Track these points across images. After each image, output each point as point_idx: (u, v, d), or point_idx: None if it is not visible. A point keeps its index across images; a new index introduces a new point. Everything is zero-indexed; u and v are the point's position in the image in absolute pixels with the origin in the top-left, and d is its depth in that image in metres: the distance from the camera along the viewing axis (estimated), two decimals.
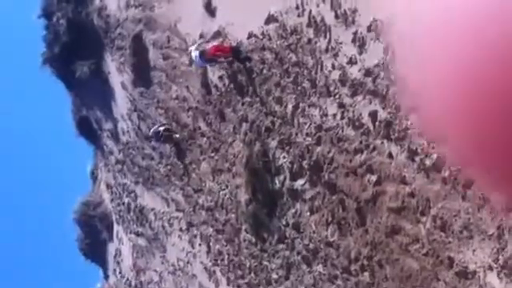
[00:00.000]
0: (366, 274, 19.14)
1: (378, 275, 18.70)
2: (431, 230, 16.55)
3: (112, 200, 39.27)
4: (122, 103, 34.26)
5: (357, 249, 19.43)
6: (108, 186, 39.78)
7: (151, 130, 29.19)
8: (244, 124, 23.93)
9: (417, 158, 16.89)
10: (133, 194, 35.73)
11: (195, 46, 24.90)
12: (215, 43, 24.12)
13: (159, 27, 28.81)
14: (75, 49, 35.40)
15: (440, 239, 16.20)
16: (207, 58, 24.05)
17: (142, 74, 31.02)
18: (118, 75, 33.76)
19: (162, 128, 28.79)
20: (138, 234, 35.69)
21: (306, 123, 20.81)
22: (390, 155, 17.77)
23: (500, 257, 14.70)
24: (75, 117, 40.42)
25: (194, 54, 24.53)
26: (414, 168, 17.06)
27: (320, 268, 21.12)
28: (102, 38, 34.36)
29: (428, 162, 16.53)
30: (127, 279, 38.18)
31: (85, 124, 39.50)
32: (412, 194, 17.21)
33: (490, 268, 15.05)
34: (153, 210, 33.29)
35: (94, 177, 43.51)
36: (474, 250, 15.39)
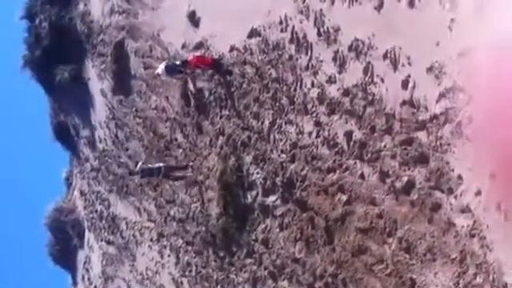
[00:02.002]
0: None
1: None
2: (396, 251, 16.77)
3: (85, 207, 39.20)
4: (100, 110, 34.28)
5: (323, 266, 19.58)
6: (82, 193, 39.73)
7: (138, 166, 28.56)
8: (220, 137, 24.08)
9: (388, 180, 17.12)
10: (106, 202, 35.70)
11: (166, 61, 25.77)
12: (197, 54, 24.30)
13: (142, 35, 28.93)
14: (56, 53, 35.33)
15: (404, 261, 16.41)
16: (190, 68, 24.31)
17: (122, 81, 31.08)
18: (98, 82, 33.80)
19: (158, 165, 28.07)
20: (108, 242, 35.64)
21: (281, 140, 21.00)
22: (362, 176, 17.99)
23: (461, 280, 14.92)
24: (52, 121, 40.33)
25: (161, 66, 25.38)
26: (384, 189, 17.28)
27: (285, 283, 21.21)
28: (84, 43, 34.38)
29: (398, 185, 16.76)
30: (95, 286, 38.08)
31: (62, 129, 39.40)
32: (380, 215, 17.43)
33: None
34: (125, 219, 33.28)
35: (68, 183, 43.42)
36: (435, 273, 15.62)
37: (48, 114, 40.91)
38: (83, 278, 40.55)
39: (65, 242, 41.89)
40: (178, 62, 25.00)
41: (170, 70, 25.24)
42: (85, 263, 40.05)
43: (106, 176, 34.94)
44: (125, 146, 32.14)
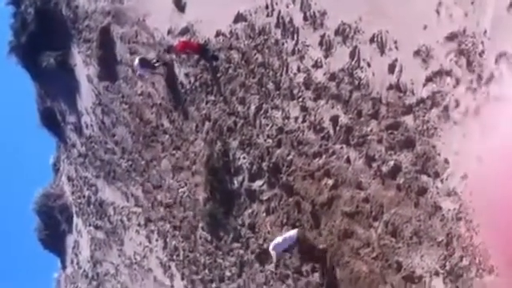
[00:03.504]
0: (316, 274, 19.17)
1: (328, 276, 18.75)
2: (382, 235, 16.69)
3: (73, 193, 39.01)
4: (86, 96, 33.99)
5: None
6: (69, 179, 39.51)
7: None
8: (207, 123, 23.84)
9: (374, 164, 16.96)
10: (93, 188, 35.52)
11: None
12: (183, 39, 24.05)
13: (128, 21, 28.60)
14: (42, 39, 35.00)
15: (390, 244, 16.33)
16: (175, 53, 24.16)
17: (108, 67, 30.78)
18: (84, 68, 33.48)
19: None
20: (96, 227, 35.50)
21: (267, 125, 20.79)
22: (348, 160, 17.84)
23: (447, 263, 14.87)
24: (39, 108, 40.03)
25: (136, 61, 25.80)
26: (370, 174, 17.12)
27: (272, 267, 21.12)
28: (69, 29, 34.03)
29: (384, 169, 16.59)
30: (84, 270, 38.00)
31: (49, 115, 39.12)
32: (366, 199, 17.30)
33: (437, 273, 15.22)
34: (112, 204, 33.12)
35: (55, 169, 43.22)
36: (422, 256, 15.55)
37: (35, 99, 40.56)
38: (72, 262, 40.43)
39: (53, 226, 41.74)
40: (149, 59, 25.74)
41: (145, 64, 25.81)
42: (73, 248, 39.92)
43: (93, 162, 34.71)
44: (111, 131, 31.87)
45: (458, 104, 14.46)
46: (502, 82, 13.40)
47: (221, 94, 22.83)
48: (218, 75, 22.70)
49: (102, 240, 34.91)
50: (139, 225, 30.28)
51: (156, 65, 25.96)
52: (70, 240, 40.65)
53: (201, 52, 23.40)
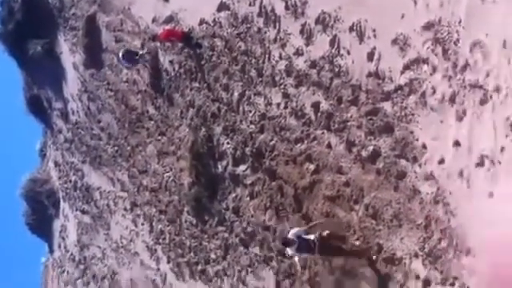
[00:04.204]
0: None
1: (310, 259, 18.92)
2: (363, 218, 16.86)
3: (59, 177, 38.92)
4: (72, 83, 33.95)
5: None
6: (56, 164, 39.42)
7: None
8: (191, 109, 23.95)
9: (354, 149, 17.15)
10: (80, 173, 35.48)
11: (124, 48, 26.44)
12: (167, 27, 24.14)
13: (113, 9, 28.62)
14: (29, 27, 34.89)
15: (371, 227, 16.50)
16: (160, 41, 24.25)
17: (93, 55, 30.78)
18: (70, 55, 33.45)
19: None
20: (83, 212, 35.46)
21: (250, 111, 20.93)
22: (329, 145, 18.02)
23: (426, 245, 15.05)
24: (26, 94, 39.89)
25: (120, 53, 26.10)
26: (350, 158, 17.31)
27: (256, 250, 21.27)
28: (56, 17, 33.98)
29: (364, 154, 16.79)
30: (71, 254, 37.95)
31: (35, 102, 39.00)
32: (347, 184, 17.48)
33: (416, 255, 15.41)
34: (99, 188, 33.11)
35: (42, 154, 43.11)
36: (402, 238, 15.73)
37: (21, 87, 40.42)
38: (59, 246, 40.36)
39: (40, 211, 41.62)
40: (134, 50, 25.99)
41: (128, 56, 25.99)
42: (61, 232, 39.84)
43: (79, 147, 34.69)
44: (97, 118, 31.90)
45: (434, 91, 14.67)
46: (476, 70, 13.64)
47: (205, 80, 22.95)
48: (202, 62, 22.81)
49: (89, 224, 34.91)
50: (125, 209, 30.31)
51: (138, 57, 26.08)
52: (57, 224, 40.57)
53: (185, 40, 23.50)
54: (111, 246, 32.16)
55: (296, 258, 18.27)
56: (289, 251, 17.52)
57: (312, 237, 17.20)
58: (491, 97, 13.23)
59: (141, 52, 26.02)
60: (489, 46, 13.33)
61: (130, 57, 26.16)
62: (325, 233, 17.46)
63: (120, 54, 26.33)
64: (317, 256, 17.79)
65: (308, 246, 17.14)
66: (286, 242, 17.27)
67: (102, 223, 33.01)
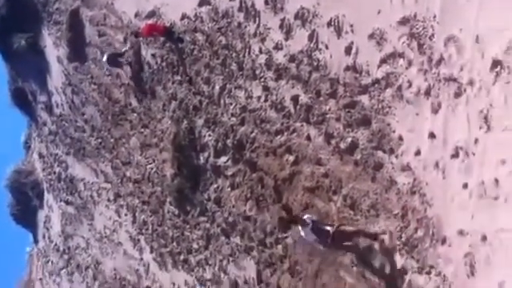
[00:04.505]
0: (280, 246, 19.46)
1: (290, 248, 19.05)
2: (341, 208, 16.98)
3: (44, 169, 38.83)
4: (56, 77, 33.87)
5: (272, 223, 19.73)
6: (40, 156, 39.31)
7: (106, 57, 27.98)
8: (173, 102, 23.98)
9: (333, 141, 17.25)
10: (64, 164, 35.42)
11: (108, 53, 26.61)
12: (149, 22, 24.14)
13: (96, 4, 28.59)
14: (13, 21, 34.75)
15: (349, 217, 16.62)
16: (143, 36, 24.25)
17: (77, 49, 30.73)
18: (54, 49, 33.36)
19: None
20: (67, 203, 35.41)
21: (231, 104, 21.01)
22: (309, 137, 18.12)
23: (403, 234, 15.17)
24: (11, 88, 39.75)
25: (104, 57, 26.42)
26: (329, 150, 17.42)
27: (237, 240, 21.37)
28: (40, 12, 33.88)
29: (342, 145, 16.90)
30: (55, 244, 37.90)
31: (20, 95, 38.86)
32: (326, 175, 17.60)
33: None
34: (82, 180, 33.07)
35: (27, 146, 42.98)
36: (379, 228, 15.81)
37: (6, 80, 40.27)
38: (44, 236, 40.28)
39: (25, 202, 41.51)
40: (118, 52, 26.26)
41: (112, 60, 26.28)
42: (45, 222, 39.76)
43: (64, 139, 34.62)
44: (81, 110, 31.85)
45: (410, 84, 14.79)
46: (450, 64, 13.76)
47: (186, 74, 22.99)
48: (184, 56, 22.85)
49: (73, 215, 34.87)
50: (109, 200, 30.32)
51: (123, 55, 26.24)
52: (41, 215, 40.48)
53: (166, 34, 23.53)
54: (95, 236, 32.16)
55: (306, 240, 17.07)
56: (301, 231, 16.51)
57: (328, 227, 16.20)
58: (465, 90, 13.36)
59: (124, 49, 26.12)
60: (462, 40, 13.46)
61: (115, 60, 26.31)
62: (343, 227, 16.40)
63: (104, 59, 26.45)
64: (326, 247, 16.70)
65: (321, 233, 16.13)
66: (299, 220, 16.50)
67: (86, 214, 32.99)
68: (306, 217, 16.46)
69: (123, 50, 26.23)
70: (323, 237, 16.12)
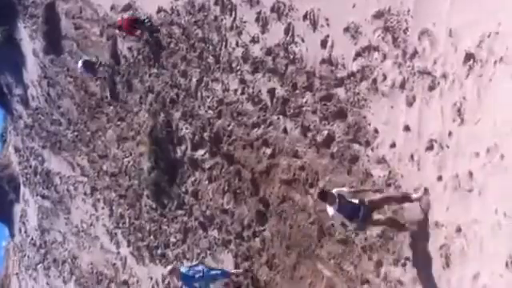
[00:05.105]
0: (257, 240, 19.61)
1: (268, 242, 19.20)
2: (318, 200, 17.05)
3: (20, 163, 38.76)
4: (32, 70, 33.87)
5: (250, 216, 19.89)
6: (16, 149, 39.25)
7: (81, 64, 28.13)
8: (150, 95, 24.08)
9: (309, 134, 17.41)
10: (40, 158, 35.39)
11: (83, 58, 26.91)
12: (126, 16, 24.21)
13: None
14: None
15: (325, 210, 16.64)
16: (125, 30, 24.28)
17: (53, 42, 30.74)
18: (29, 42, 33.37)
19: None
20: (43, 197, 35.38)
21: (208, 97, 21.14)
22: (285, 130, 18.28)
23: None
24: None
25: (80, 63, 26.77)
26: (305, 143, 17.57)
27: (215, 233, 21.47)
28: (15, 5, 33.89)
29: (319, 138, 17.06)
30: (32, 238, 37.86)
31: None
32: (303, 167, 17.75)
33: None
34: (59, 173, 33.06)
35: (2, 140, 42.87)
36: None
37: None
38: (20, 230, 40.22)
39: (1, 196, 41.42)
40: (93, 59, 26.69)
41: (87, 66, 26.73)
42: (21, 217, 39.71)
43: (40, 132, 34.60)
44: (57, 103, 31.87)
45: (385, 77, 14.98)
46: (424, 57, 13.96)
47: (163, 67, 23.09)
48: (161, 49, 22.96)
49: (49, 209, 34.84)
50: (85, 194, 30.34)
51: (98, 66, 26.47)
52: (17, 209, 40.42)
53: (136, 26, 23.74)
54: (71, 230, 32.17)
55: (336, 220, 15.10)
56: (329, 211, 14.44)
57: (357, 201, 14.26)
58: (439, 83, 13.54)
59: (98, 60, 26.39)
60: (436, 34, 13.66)
61: (90, 66, 26.50)
62: (370, 198, 14.59)
63: (79, 65, 26.59)
64: (357, 223, 14.54)
65: (351, 209, 14.17)
66: (324, 197, 14.46)
67: (63, 208, 32.99)
68: (334, 191, 14.44)
69: (96, 60, 26.48)
70: (353, 211, 14.15)
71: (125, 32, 24.34)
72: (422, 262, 14.14)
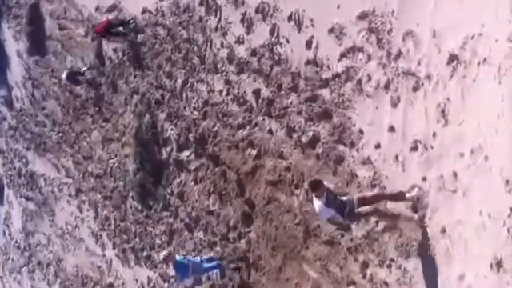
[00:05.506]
0: (243, 241, 19.68)
1: (253, 243, 19.27)
2: (304, 201, 17.19)
3: (3, 164, 38.61)
4: (16, 71, 33.77)
5: (235, 218, 19.96)
6: (0, 151, 39.14)
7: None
8: (135, 96, 24.10)
9: (294, 135, 17.51)
10: (24, 160, 35.27)
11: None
12: (111, 17, 24.29)
13: None
14: None
15: (311, 210, 16.70)
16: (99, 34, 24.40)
17: (37, 42, 30.71)
18: (13, 43, 33.27)
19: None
20: (27, 198, 35.25)
21: (193, 98, 21.21)
22: (271, 131, 18.38)
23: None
24: None
25: (64, 74, 26.63)
26: (291, 144, 17.67)
27: (201, 234, 21.51)
28: None
29: (304, 139, 17.16)
30: (16, 241, 37.71)
31: None
32: (288, 168, 17.85)
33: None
34: (43, 175, 32.96)
35: None
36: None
37: None
38: (4, 233, 40.02)
39: None
40: (77, 70, 26.63)
41: (71, 77, 26.61)
42: (5, 219, 39.53)
43: (24, 134, 34.49)
44: (41, 105, 31.78)
45: (370, 78, 15.11)
46: (408, 58, 14.08)
47: (148, 68, 23.14)
48: (145, 50, 23.02)
49: (34, 211, 34.73)
50: (70, 195, 30.27)
51: (81, 78, 26.54)
52: (1, 211, 40.25)
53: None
54: (56, 232, 32.08)
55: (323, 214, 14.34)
56: (315, 204, 14.01)
57: (344, 198, 14.17)
58: (423, 84, 13.67)
59: (83, 69, 26.44)
60: (420, 35, 13.79)
61: (74, 77, 26.59)
62: (361, 194, 14.55)
63: (64, 76, 26.65)
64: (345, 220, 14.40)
65: (339, 205, 13.88)
66: (315, 186, 13.87)
67: (47, 210, 32.89)
68: (326, 182, 14.08)
69: (82, 69, 26.53)
70: (340, 208, 13.93)
71: (100, 36, 24.55)
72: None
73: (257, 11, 18.41)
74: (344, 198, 14.18)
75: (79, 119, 28.36)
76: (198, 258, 19.74)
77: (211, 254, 20.42)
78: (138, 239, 25.16)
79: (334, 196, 13.97)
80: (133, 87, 24.13)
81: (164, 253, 20.35)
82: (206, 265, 19.44)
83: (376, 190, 14.83)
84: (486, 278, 11.68)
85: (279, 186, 18.27)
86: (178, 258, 19.44)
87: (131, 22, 23.40)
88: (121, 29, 23.81)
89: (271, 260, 18.74)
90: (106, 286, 27.94)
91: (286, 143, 17.88)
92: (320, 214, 14.23)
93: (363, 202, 14.14)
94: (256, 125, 18.87)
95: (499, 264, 11.14)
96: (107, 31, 23.84)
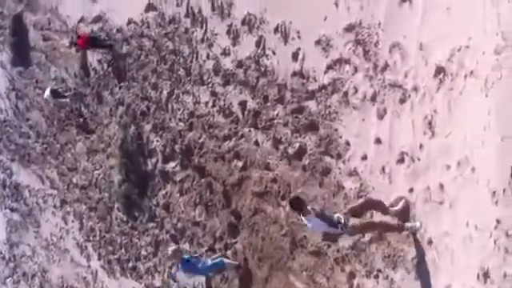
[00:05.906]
0: (229, 252, 19.64)
1: (240, 254, 19.25)
2: (290, 213, 17.13)
3: None
4: (0, 82, 33.67)
5: (221, 229, 19.93)
6: None
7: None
8: (120, 107, 24.07)
9: (281, 147, 17.52)
10: (8, 171, 35.12)
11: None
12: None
13: (40, 8, 28.59)
14: None
15: (298, 222, 16.69)
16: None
17: (21, 53, 30.63)
18: None
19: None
20: (12, 210, 35.10)
21: (179, 109, 21.20)
22: (257, 143, 18.38)
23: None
24: None
25: (47, 92, 26.86)
26: (277, 155, 17.67)
27: (187, 246, 21.45)
28: None
29: (290, 151, 17.17)
30: (1, 252, 37.52)
31: None
32: (274, 180, 17.84)
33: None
34: (28, 186, 32.85)
35: None
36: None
37: None
38: None
39: None
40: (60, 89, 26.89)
41: (55, 94, 26.82)
42: None
43: (8, 145, 34.34)
44: (25, 116, 31.69)
45: (356, 90, 15.11)
46: (395, 70, 14.11)
47: (134, 79, 23.11)
48: (131, 61, 23.01)
49: (18, 222, 34.59)
50: (55, 207, 30.17)
51: (66, 94, 26.63)
52: None
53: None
54: (41, 243, 31.96)
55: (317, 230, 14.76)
56: (306, 222, 13.97)
57: (336, 216, 13.76)
58: (410, 96, 13.68)
59: (68, 93, 26.46)
60: (407, 47, 13.81)
61: (57, 92, 26.63)
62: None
63: (47, 93, 26.64)
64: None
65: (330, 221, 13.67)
66: (298, 204, 13.84)
67: (32, 221, 32.76)
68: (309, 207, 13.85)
69: (67, 93, 26.61)
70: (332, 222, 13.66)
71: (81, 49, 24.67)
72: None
73: (243, 23, 18.41)
74: (336, 216, 13.81)
75: (64, 130, 28.27)
76: (204, 259, 19.68)
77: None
78: (123, 250, 25.10)
79: (322, 213, 13.84)
80: (118, 98, 24.09)
81: (172, 247, 20.12)
82: (210, 262, 19.40)
83: (362, 200, 14.61)
84: None
85: (265, 197, 18.26)
86: (185, 255, 19.35)
87: (106, 39, 23.57)
88: (106, 41, 23.85)
89: (257, 271, 18.73)
90: None
91: (272, 155, 17.87)
92: (313, 228, 14.26)
93: (353, 213, 13.90)
94: (242, 136, 18.86)
95: (486, 275, 11.11)
96: (91, 44, 23.87)
